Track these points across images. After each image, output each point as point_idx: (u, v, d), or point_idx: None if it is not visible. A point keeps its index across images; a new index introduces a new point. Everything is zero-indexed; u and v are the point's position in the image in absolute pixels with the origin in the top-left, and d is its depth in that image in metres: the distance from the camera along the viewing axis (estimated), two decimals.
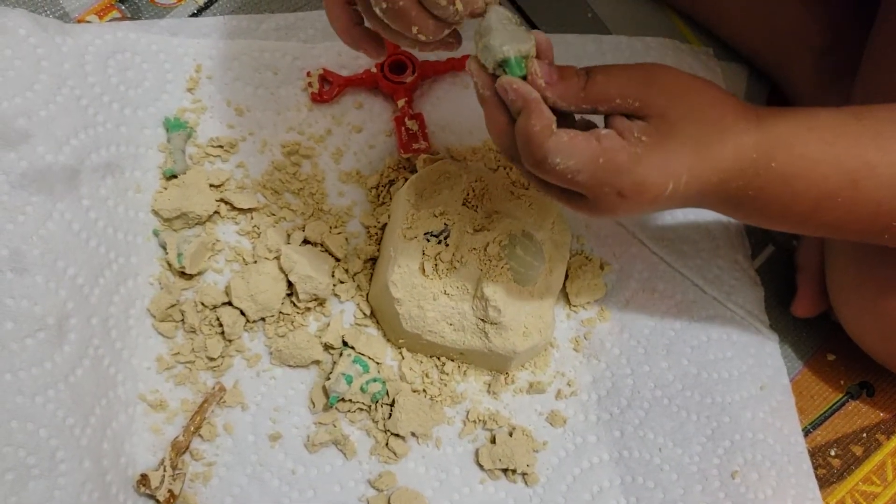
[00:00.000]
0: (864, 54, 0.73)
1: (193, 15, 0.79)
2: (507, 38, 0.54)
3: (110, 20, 0.77)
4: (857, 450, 0.74)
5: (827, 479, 0.72)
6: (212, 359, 0.68)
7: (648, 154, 0.53)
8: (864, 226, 0.59)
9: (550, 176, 0.53)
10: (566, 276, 0.73)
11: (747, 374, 0.73)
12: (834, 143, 0.57)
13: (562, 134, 0.52)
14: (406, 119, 0.75)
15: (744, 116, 0.56)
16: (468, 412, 0.70)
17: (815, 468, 0.71)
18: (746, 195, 0.57)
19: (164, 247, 0.70)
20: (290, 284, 0.69)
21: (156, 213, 0.70)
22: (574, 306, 0.74)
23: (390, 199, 0.74)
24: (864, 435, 0.74)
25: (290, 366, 0.69)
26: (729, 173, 0.56)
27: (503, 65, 0.54)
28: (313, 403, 0.68)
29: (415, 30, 0.54)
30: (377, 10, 0.54)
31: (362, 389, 0.67)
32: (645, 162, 0.53)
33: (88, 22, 0.76)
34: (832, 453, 0.73)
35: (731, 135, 0.56)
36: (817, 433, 0.74)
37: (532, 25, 0.83)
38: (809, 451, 0.72)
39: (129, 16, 0.78)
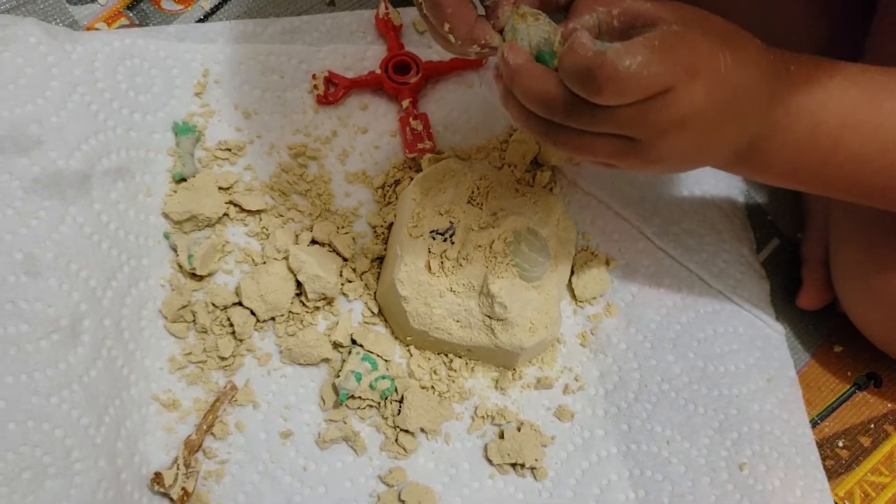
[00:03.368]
0: (864, 49, 0.73)
1: (200, 20, 0.80)
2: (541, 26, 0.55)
3: (119, 27, 0.78)
4: (866, 440, 0.74)
5: (835, 470, 0.72)
6: (223, 358, 0.69)
7: (686, 30, 0.52)
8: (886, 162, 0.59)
9: (628, 87, 0.50)
10: (572, 272, 0.74)
11: (754, 367, 0.73)
12: (850, 69, 0.58)
13: (612, 44, 0.51)
14: (411, 119, 0.76)
15: (765, 47, 0.57)
16: (476, 408, 0.70)
17: (823, 459, 0.71)
18: (774, 116, 0.57)
19: (174, 249, 0.71)
20: (298, 284, 0.70)
21: (166, 215, 0.71)
22: (580, 302, 0.75)
23: (396, 198, 0.75)
24: (872, 426, 0.75)
25: (300, 364, 0.70)
26: (764, 90, 0.56)
27: (543, 46, 0.55)
28: (323, 401, 0.69)
29: (447, 27, 0.54)
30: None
31: (371, 386, 0.68)
32: (689, 34, 0.52)
33: (97, 29, 0.78)
34: (840, 444, 0.74)
35: (760, 57, 0.56)
36: (825, 424, 0.74)
37: None
38: (817, 442, 0.72)
39: (137, 22, 0.79)
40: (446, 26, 0.54)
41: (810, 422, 0.73)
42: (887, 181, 0.59)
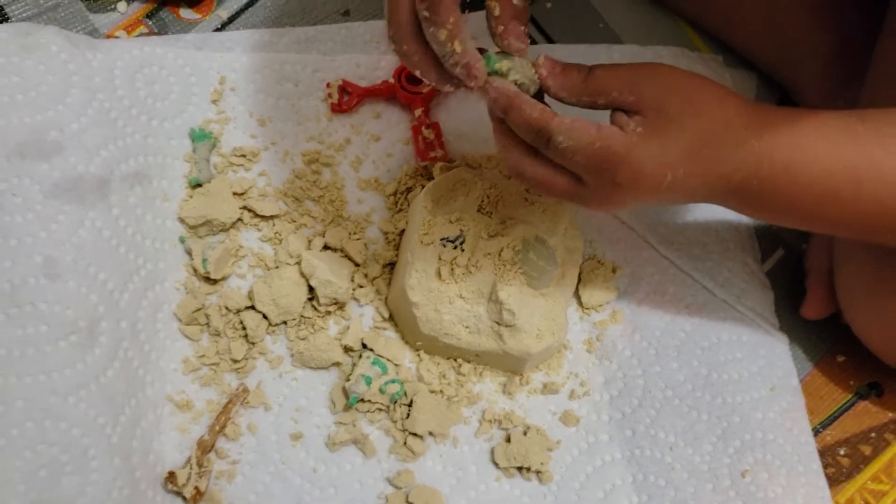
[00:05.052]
0: (871, 61, 0.74)
1: (218, 29, 0.81)
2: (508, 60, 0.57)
3: (138, 35, 0.79)
4: (866, 449, 0.75)
5: (836, 478, 0.73)
6: (236, 361, 0.70)
7: (643, 144, 0.55)
8: (867, 223, 0.60)
9: (556, 155, 0.56)
10: (579, 280, 0.75)
11: (757, 375, 0.74)
12: (837, 141, 0.58)
13: (564, 116, 0.55)
14: (423, 128, 0.77)
15: (746, 113, 0.58)
16: (484, 412, 0.71)
17: (825, 467, 0.72)
18: (751, 187, 0.58)
19: (189, 253, 0.72)
20: (310, 289, 0.71)
21: (182, 220, 0.73)
22: (587, 309, 0.76)
23: (408, 205, 0.76)
24: (873, 434, 0.75)
25: (311, 367, 0.71)
26: (731, 166, 0.57)
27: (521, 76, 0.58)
28: (334, 404, 0.70)
29: (417, 72, 0.58)
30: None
31: (381, 390, 0.69)
32: (639, 151, 0.55)
33: (117, 37, 0.79)
34: (841, 452, 0.75)
35: (733, 129, 0.57)
36: (827, 433, 0.75)
37: (545, 36, 0.85)
38: (819, 450, 0.73)
39: (155, 31, 0.80)
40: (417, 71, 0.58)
41: (812, 430, 0.74)
42: (862, 218, 0.60)
